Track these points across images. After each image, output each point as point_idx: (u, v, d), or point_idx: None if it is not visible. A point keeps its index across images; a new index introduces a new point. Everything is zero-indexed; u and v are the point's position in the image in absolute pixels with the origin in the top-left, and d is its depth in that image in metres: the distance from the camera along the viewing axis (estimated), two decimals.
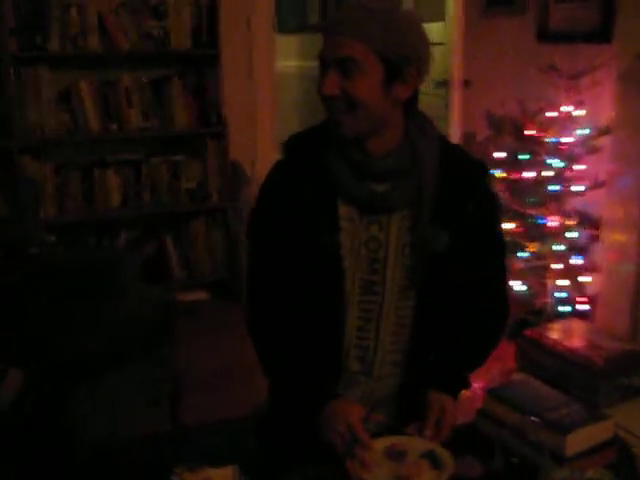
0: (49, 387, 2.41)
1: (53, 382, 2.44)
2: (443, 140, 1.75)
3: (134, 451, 1.86)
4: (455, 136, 4.57)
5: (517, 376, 3.45)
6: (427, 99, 4.94)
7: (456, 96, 4.59)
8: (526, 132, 3.77)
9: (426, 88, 5.01)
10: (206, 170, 4.46)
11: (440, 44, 4.71)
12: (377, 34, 1.56)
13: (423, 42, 1.66)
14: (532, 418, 1.49)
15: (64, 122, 4.12)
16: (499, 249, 1.83)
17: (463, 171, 1.73)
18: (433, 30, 4.84)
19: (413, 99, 1.70)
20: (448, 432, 1.58)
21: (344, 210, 1.68)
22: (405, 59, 1.60)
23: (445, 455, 1.51)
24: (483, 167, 1.79)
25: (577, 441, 1.49)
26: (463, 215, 1.70)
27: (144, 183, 4.35)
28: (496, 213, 1.83)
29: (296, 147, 1.76)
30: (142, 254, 4.15)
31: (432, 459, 1.51)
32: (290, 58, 7.59)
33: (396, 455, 1.52)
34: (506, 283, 1.87)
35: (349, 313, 1.70)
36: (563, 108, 3.70)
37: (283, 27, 6.70)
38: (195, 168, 4.47)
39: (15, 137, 3.94)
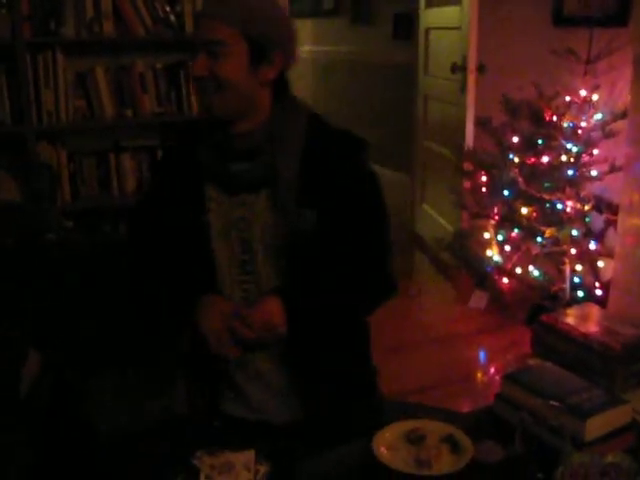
0: (70, 372, 2.42)
1: (74, 367, 2.46)
2: (314, 120, 1.78)
3: (153, 436, 1.87)
4: (470, 121, 4.54)
5: (533, 361, 3.45)
6: (442, 84, 4.93)
7: (471, 81, 4.56)
8: (543, 116, 3.75)
9: (441, 73, 5.02)
10: None
11: (455, 28, 4.68)
12: (240, 15, 1.62)
13: (286, 24, 1.72)
14: (552, 402, 1.49)
15: (79, 108, 4.12)
16: (374, 225, 1.80)
17: (331, 149, 1.74)
18: (448, 14, 4.81)
19: (282, 82, 1.76)
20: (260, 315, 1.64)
21: (212, 192, 1.75)
22: (269, 40, 1.66)
23: (464, 439, 1.52)
24: (357, 143, 1.78)
25: (597, 426, 1.49)
26: (330, 193, 1.71)
27: None
28: (369, 188, 1.80)
29: (180, 135, 1.90)
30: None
31: (451, 443, 1.52)
32: (304, 43, 7.58)
33: (416, 439, 1.53)
34: (386, 260, 1.83)
35: (231, 294, 1.76)
36: (580, 92, 3.68)
37: (297, 11, 6.69)
38: None
39: (30, 123, 3.94)
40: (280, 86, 1.76)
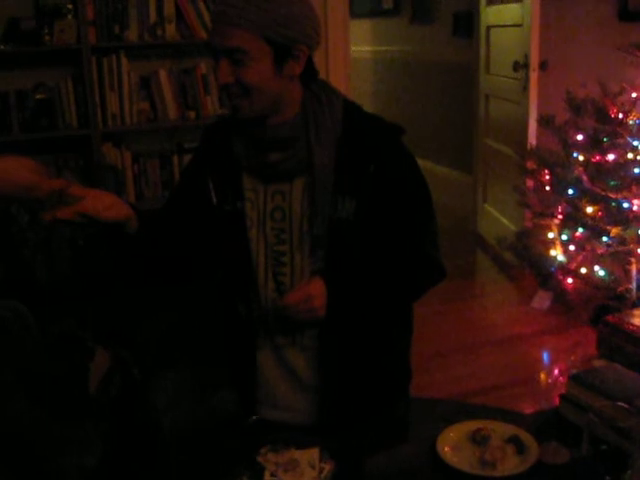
0: (139, 370, 2.46)
1: (142, 365, 2.50)
2: (348, 106, 1.74)
3: (218, 434, 1.90)
4: (533, 119, 4.49)
5: (598, 362, 3.39)
6: (504, 82, 4.87)
7: (533, 78, 4.50)
8: (608, 114, 3.68)
9: (503, 71, 4.96)
10: None
11: (517, 26, 4.63)
12: (259, 19, 1.57)
13: (307, 17, 1.65)
14: (620, 404, 1.47)
15: (143, 110, 4.19)
16: (418, 209, 1.76)
17: (368, 135, 1.71)
18: (510, 11, 4.76)
19: (309, 69, 1.72)
20: (294, 299, 1.61)
21: (248, 181, 1.74)
22: (291, 39, 1.61)
23: (530, 440, 1.50)
24: (393, 128, 1.74)
25: None
26: (369, 179, 1.67)
27: None
28: (410, 172, 1.75)
29: (209, 131, 1.87)
30: None
31: (516, 444, 1.50)
32: (364, 43, 7.57)
33: (480, 439, 1.52)
34: (430, 245, 1.79)
35: (264, 284, 1.74)
36: None
37: (357, 11, 6.69)
38: None
39: (96, 126, 4.02)
40: (308, 72, 1.72)
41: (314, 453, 1.45)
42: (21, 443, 1.68)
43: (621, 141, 3.65)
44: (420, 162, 1.82)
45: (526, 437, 1.51)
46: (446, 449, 1.50)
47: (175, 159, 4.31)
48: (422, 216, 1.77)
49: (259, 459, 1.44)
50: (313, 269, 1.70)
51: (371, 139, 1.70)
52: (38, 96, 3.97)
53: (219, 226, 1.77)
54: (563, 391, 1.68)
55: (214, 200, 1.76)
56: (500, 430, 1.54)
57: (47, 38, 3.87)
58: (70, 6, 3.90)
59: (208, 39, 1.64)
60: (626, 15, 3.92)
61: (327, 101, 1.71)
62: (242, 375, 1.84)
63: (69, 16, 3.90)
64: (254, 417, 1.81)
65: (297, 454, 1.45)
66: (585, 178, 3.78)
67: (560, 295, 4.07)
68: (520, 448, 1.49)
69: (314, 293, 1.60)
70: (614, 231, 3.68)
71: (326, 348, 1.75)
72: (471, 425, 1.56)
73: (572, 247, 3.96)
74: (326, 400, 1.77)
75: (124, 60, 4.05)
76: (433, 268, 1.81)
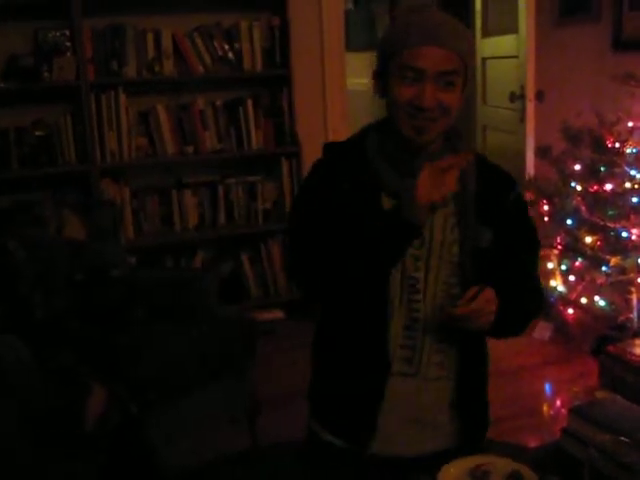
0: (136, 406, 2.45)
1: (139, 401, 2.48)
2: (474, 150, 1.83)
3: (214, 471, 1.88)
4: (530, 150, 4.50)
5: (600, 393, 3.37)
6: (501, 113, 4.90)
7: (530, 109, 4.53)
8: (604, 143, 3.69)
9: (500, 102, 4.99)
10: (282, 190, 4.50)
11: (513, 57, 4.66)
12: (465, 46, 1.65)
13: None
14: (622, 438, 1.45)
15: (142, 146, 4.21)
16: (534, 245, 1.87)
17: (497, 175, 1.79)
18: (505, 43, 4.80)
19: None
20: (480, 304, 1.59)
21: (388, 205, 1.69)
22: (472, 66, 1.69)
23: (531, 476, 1.48)
24: (511, 175, 1.84)
25: None
26: (502, 213, 1.75)
27: (220, 204, 4.41)
28: (528, 214, 1.87)
29: (336, 149, 1.83)
30: (219, 274, 4.20)
31: None
32: (360, 75, 7.60)
33: (481, 475, 1.50)
34: (539, 278, 1.91)
35: (396, 313, 1.71)
36: None
37: (353, 45, 6.73)
38: (270, 188, 4.51)
39: (94, 162, 4.04)
40: None
41: None
42: None
43: (618, 170, 3.65)
44: None
45: (527, 473, 1.49)
46: None
47: (174, 194, 4.32)
48: (538, 252, 1.89)
49: None
50: (449, 295, 1.72)
51: (502, 180, 1.80)
52: (37, 132, 4.00)
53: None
54: (565, 424, 1.66)
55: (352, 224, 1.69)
56: (501, 465, 1.52)
57: (46, 75, 3.90)
58: (69, 43, 3.94)
59: (408, 62, 1.59)
60: (620, 45, 3.94)
61: (463, 136, 1.78)
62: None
63: (68, 53, 3.94)
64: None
65: None
66: (583, 208, 3.78)
67: (561, 326, 4.05)
68: None
69: (490, 297, 1.62)
70: (613, 261, 3.67)
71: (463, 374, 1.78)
72: (471, 461, 1.54)
73: (572, 277, 3.95)
74: (430, 433, 1.78)
75: (122, 96, 4.08)
76: (542, 299, 1.91)
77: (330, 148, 1.84)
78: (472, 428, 1.82)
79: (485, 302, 1.60)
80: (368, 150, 1.74)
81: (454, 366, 1.77)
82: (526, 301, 1.81)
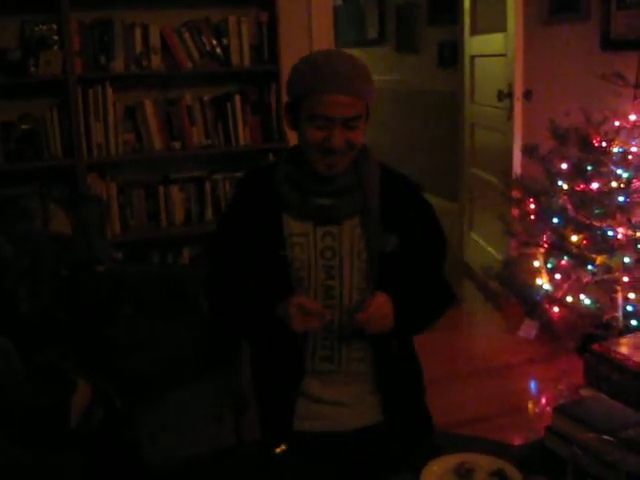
0: (121, 402, 2.44)
1: (124, 398, 2.47)
2: (382, 164, 1.99)
3: (198, 468, 1.88)
4: (517, 148, 4.51)
5: (585, 392, 3.38)
6: (489, 111, 4.90)
7: (517, 107, 4.54)
8: (591, 142, 3.70)
9: (488, 101, 5.00)
10: None
11: (500, 55, 4.67)
12: (366, 88, 1.80)
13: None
14: (606, 437, 1.45)
15: (128, 141, 4.19)
16: (439, 244, 2.05)
17: (401, 187, 1.98)
18: (493, 41, 4.80)
19: None
20: (373, 309, 1.79)
21: (297, 227, 1.90)
22: (373, 100, 1.85)
23: (515, 474, 1.49)
24: (418, 185, 2.04)
25: None
26: (406, 221, 1.93)
27: (207, 200, 4.40)
28: (433, 217, 2.04)
29: (244, 185, 2.04)
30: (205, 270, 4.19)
31: (501, 478, 1.49)
32: None
33: (465, 473, 1.50)
34: (445, 273, 2.09)
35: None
36: (629, 117, 3.63)
37: (342, 41, 6.74)
38: None
39: (81, 156, 4.02)
40: None
41: None
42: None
43: (605, 170, 3.66)
44: None
45: (511, 471, 1.50)
46: None
47: (161, 190, 4.30)
48: (443, 250, 2.07)
49: None
50: (363, 300, 1.86)
51: (403, 191, 1.98)
52: (23, 126, 3.97)
53: (264, 268, 1.92)
54: (550, 422, 1.67)
55: (259, 248, 1.91)
56: (485, 463, 1.53)
57: (33, 69, 3.88)
58: (56, 37, 3.92)
59: (319, 110, 1.77)
60: (608, 44, 3.95)
61: (372, 160, 1.95)
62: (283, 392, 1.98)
63: (55, 47, 3.92)
64: (282, 447, 1.91)
65: None
66: (570, 207, 3.79)
67: (546, 324, 4.06)
68: None
69: (382, 300, 1.81)
70: (599, 259, 3.69)
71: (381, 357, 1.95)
72: (455, 458, 1.55)
73: (558, 276, 3.96)
74: (371, 407, 1.96)
75: (109, 90, 4.06)
76: (450, 294, 2.09)
77: (245, 179, 2.06)
78: (395, 402, 1.97)
79: (377, 307, 1.79)
80: (276, 176, 1.92)
81: (370, 356, 1.94)
82: (432, 296, 2.01)
